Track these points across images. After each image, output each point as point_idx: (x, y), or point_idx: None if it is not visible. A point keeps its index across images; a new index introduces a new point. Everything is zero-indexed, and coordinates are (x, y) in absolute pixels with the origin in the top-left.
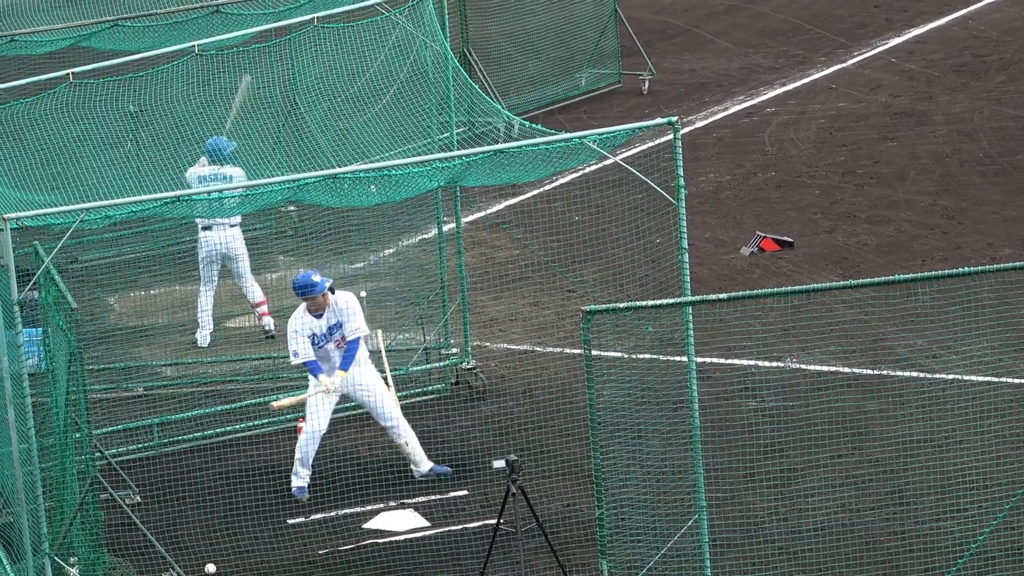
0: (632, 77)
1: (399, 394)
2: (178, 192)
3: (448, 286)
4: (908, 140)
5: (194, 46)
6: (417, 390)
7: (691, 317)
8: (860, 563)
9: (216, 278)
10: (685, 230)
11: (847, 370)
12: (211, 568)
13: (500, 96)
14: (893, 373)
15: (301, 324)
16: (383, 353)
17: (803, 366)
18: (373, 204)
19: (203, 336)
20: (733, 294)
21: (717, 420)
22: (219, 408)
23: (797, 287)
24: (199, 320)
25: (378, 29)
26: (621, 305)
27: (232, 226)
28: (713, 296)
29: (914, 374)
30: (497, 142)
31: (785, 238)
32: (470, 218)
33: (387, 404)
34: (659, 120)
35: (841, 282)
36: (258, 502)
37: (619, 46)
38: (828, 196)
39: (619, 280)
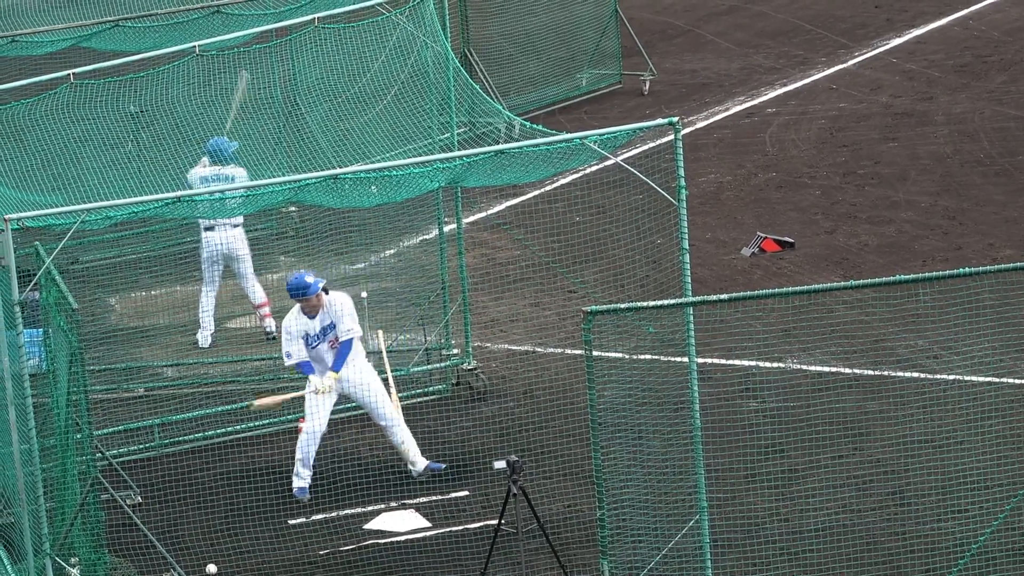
0: (633, 77)
1: (400, 395)
2: (179, 193)
3: (449, 287)
4: (909, 140)
5: (195, 47)
6: (418, 391)
7: (692, 318)
8: (861, 564)
9: (218, 279)
10: (686, 231)
11: (848, 371)
12: (212, 568)
13: (501, 97)
14: (894, 374)
15: (295, 325)
16: (384, 354)
17: (804, 367)
18: (374, 205)
19: (204, 337)
20: (734, 295)
21: (718, 421)
22: (220, 409)
23: (798, 288)
24: (200, 321)
25: (379, 29)
26: (622, 306)
27: (234, 226)
28: (714, 297)
29: (915, 375)
30: (498, 143)
31: (786, 239)
32: (471, 219)
33: (384, 403)
34: (660, 121)
35: (842, 283)
36: (259, 503)
37: (620, 46)
38: (829, 196)
39: (620, 281)
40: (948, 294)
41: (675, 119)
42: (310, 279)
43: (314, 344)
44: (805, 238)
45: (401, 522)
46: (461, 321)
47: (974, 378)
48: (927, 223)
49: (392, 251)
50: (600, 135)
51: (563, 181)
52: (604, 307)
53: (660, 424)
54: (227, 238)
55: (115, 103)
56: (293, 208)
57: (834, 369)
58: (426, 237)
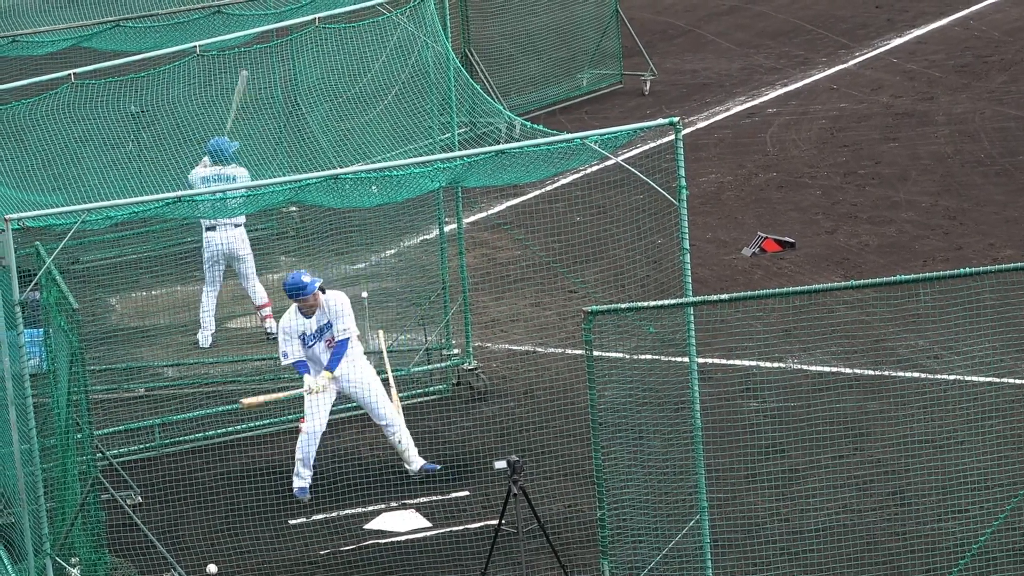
0: (633, 78)
1: (401, 395)
2: (179, 192)
3: (449, 287)
4: (910, 141)
5: (195, 47)
6: (419, 391)
7: (692, 318)
8: (862, 564)
9: (220, 279)
10: (687, 231)
11: (849, 371)
12: (212, 568)
13: (501, 97)
14: (895, 374)
15: (291, 324)
16: (385, 354)
17: (805, 367)
18: (375, 205)
19: (205, 337)
20: (734, 295)
21: (718, 421)
22: (221, 409)
23: (799, 288)
24: (201, 321)
25: (380, 30)
26: (623, 306)
27: (236, 226)
28: (714, 297)
29: (916, 375)
30: (498, 143)
31: (786, 239)
32: (471, 219)
33: (383, 402)
34: (660, 121)
35: (843, 283)
36: (259, 503)
37: (620, 46)
38: (829, 197)
39: (620, 281)
40: (949, 294)
41: (676, 119)
42: (307, 278)
43: (311, 343)
44: (806, 238)
45: (401, 522)
46: (462, 321)
47: (975, 378)
48: (928, 223)
49: (393, 251)
50: (601, 135)
51: (564, 181)
52: (605, 307)
53: (661, 424)
54: (229, 238)
55: (116, 103)
56: (294, 208)
57: (835, 369)
58: (427, 237)
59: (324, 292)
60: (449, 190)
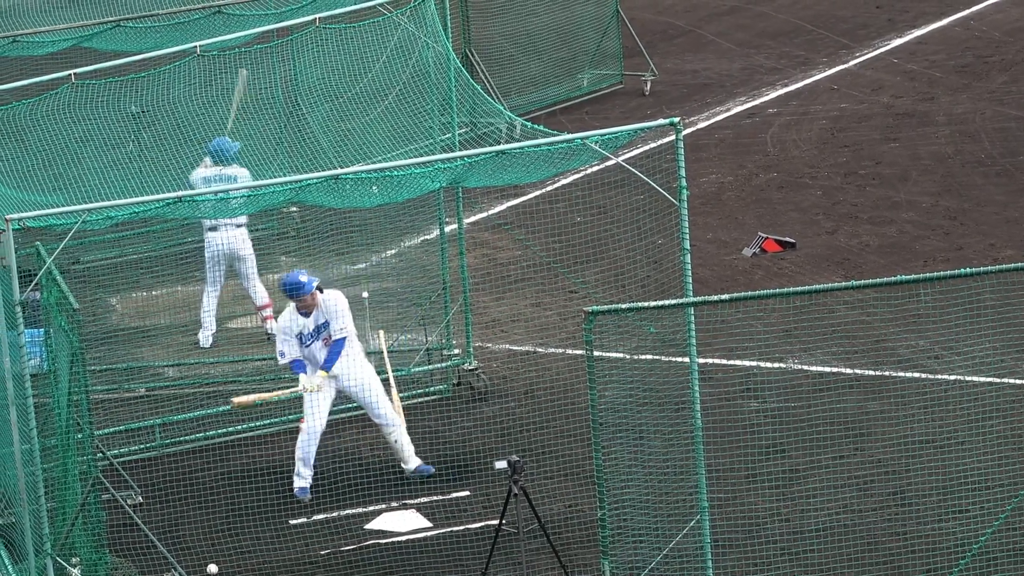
0: (634, 78)
1: (401, 395)
2: (180, 193)
3: (450, 287)
4: (910, 141)
5: (196, 47)
6: (419, 391)
7: (693, 318)
8: (862, 564)
9: (222, 279)
10: (687, 231)
11: (849, 371)
12: (213, 568)
13: (502, 97)
14: (895, 374)
15: (289, 324)
16: (385, 354)
17: (805, 367)
18: (375, 205)
19: (205, 337)
20: (735, 295)
21: (719, 421)
22: (221, 409)
23: (799, 288)
24: (201, 320)
25: (380, 30)
26: (623, 306)
27: (238, 227)
28: (715, 297)
29: (916, 375)
30: (499, 143)
31: (787, 239)
32: (472, 219)
33: (382, 401)
34: (661, 121)
35: (843, 283)
36: (260, 502)
37: (621, 47)
38: (830, 197)
39: (621, 281)
40: (949, 294)
41: (676, 119)
42: (304, 278)
43: (308, 343)
44: (806, 238)
45: (402, 522)
46: (462, 321)
47: (975, 378)
48: (928, 223)
49: (393, 251)
50: (601, 135)
51: (564, 181)
52: (605, 307)
53: (661, 424)
54: (230, 238)
55: (116, 103)
56: (294, 208)
57: (835, 369)
58: (427, 237)
59: (322, 291)
60: (450, 190)
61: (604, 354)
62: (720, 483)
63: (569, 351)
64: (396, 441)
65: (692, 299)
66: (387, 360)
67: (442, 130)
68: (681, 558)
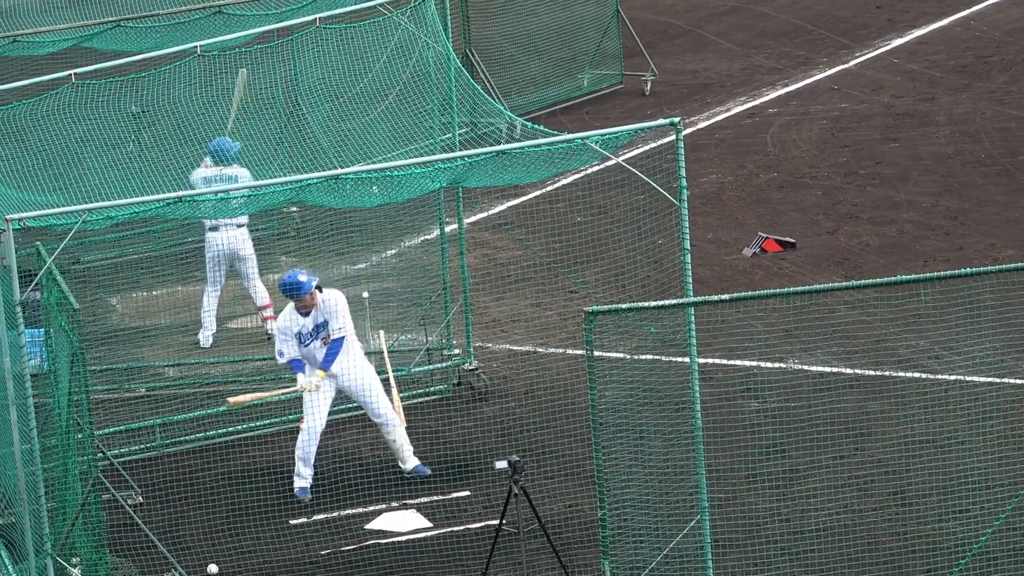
0: (634, 78)
1: (401, 395)
2: (180, 193)
3: (450, 287)
4: (910, 141)
5: (196, 47)
6: (419, 391)
7: (693, 318)
8: (862, 564)
9: (222, 279)
10: (687, 231)
11: (849, 371)
12: (213, 568)
13: (502, 97)
14: (895, 374)
15: (288, 323)
16: (385, 354)
17: (805, 367)
18: (375, 205)
19: (205, 337)
20: (735, 295)
21: (719, 421)
22: (221, 409)
23: (799, 288)
24: (202, 320)
25: (380, 30)
26: (623, 306)
27: (238, 227)
28: (715, 297)
29: (916, 375)
30: (499, 143)
31: (787, 239)
32: (472, 219)
33: (381, 400)
34: (661, 121)
35: (843, 283)
36: (260, 502)
37: (621, 47)
38: (830, 197)
39: (621, 281)
40: (949, 294)
41: (676, 119)
42: (303, 277)
43: (307, 342)
44: (806, 238)
45: (402, 522)
46: (462, 321)
47: (975, 378)
48: (928, 223)
49: (393, 251)
50: (601, 135)
51: (564, 181)
52: (605, 307)
53: (661, 424)
54: (231, 238)
55: (117, 103)
56: (295, 208)
57: (835, 369)
58: (427, 237)
59: (321, 291)
60: (450, 190)
61: (604, 354)
62: (720, 483)
63: (569, 351)
64: (395, 440)
65: (692, 299)
66: (387, 360)
67: (442, 130)
68: (681, 558)
